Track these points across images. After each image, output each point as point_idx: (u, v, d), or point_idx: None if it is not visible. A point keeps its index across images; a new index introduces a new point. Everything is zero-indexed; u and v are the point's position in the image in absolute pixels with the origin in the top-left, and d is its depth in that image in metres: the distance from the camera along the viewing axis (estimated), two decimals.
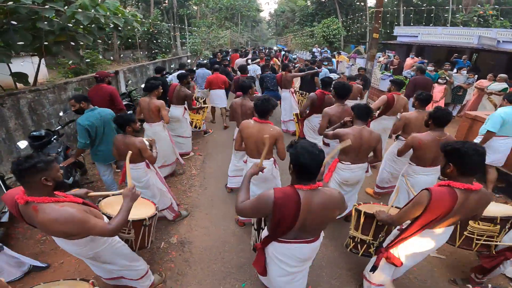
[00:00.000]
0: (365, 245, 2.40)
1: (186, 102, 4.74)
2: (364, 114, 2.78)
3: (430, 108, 3.36)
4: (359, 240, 2.41)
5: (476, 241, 2.29)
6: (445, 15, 20.90)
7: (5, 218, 2.92)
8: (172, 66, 11.41)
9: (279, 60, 11.14)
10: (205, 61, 9.51)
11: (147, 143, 2.87)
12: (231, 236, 3.14)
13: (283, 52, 16.37)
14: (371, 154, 2.98)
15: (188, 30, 18.96)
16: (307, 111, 4.48)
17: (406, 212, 1.85)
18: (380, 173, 3.82)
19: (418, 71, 5.94)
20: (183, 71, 5.40)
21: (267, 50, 16.54)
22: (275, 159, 2.96)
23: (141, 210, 2.33)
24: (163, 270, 2.66)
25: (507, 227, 2.25)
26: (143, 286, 2.34)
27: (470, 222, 2.23)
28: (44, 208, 1.53)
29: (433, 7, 16.25)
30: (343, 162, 2.91)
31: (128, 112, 4.99)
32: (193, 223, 3.35)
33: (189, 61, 9.96)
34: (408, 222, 1.94)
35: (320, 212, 1.61)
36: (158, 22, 13.95)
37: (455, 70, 7.79)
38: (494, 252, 2.29)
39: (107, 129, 3.30)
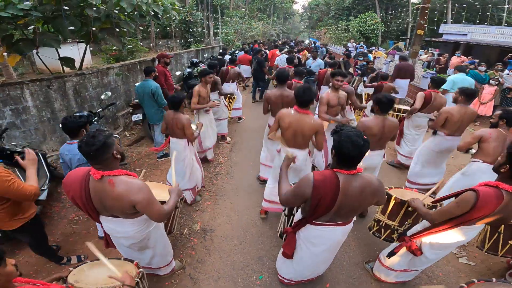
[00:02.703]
0: (389, 230, 2.41)
1: (217, 88, 4.90)
2: (386, 106, 2.83)
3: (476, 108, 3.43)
4: (384, 224, 2.41)
5: None
6: (500, 15, 19.06)
7: (43, 196, 3.03)
8: (205, 56, 11.61)
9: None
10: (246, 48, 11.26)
11: (194, 127, 3.25)
12: (252, 227, 3.18)
13: (316, 44, 15.97)
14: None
15: (221, 20, 19.10)
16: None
17: (448, 211, 1.79)
18: (412, 168, 3.81)
19: (401, 59, 7.02)
20: (214, 61, 5.71)
21: (292, 42, 16.04)
22: (310, 150, 2.97)
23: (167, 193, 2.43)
24: (183, 256, 2.75)
25: None
26: (164, 272, 2.43)
27: None
28: (119, 181, 1.60)
29: (489, 5, 14.73)
30: None
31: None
32: (216, 211, 3.43)
33: (221, 50, 10.20)
34: None
35: (357, 196, 1.63)
36: (194, 11, 14.22)
37: (506, 71, 7.15)
38: None
39: (146, 97, 4.20)
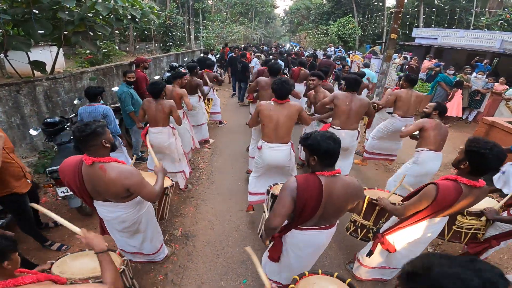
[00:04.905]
0: (365, 230, 2.51)
1: (199, 90, 4.83)
2: (352, 84, 3.14)
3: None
4: (360, 224, 2.52)
5: (465, 234, 2.44)
6: (468, 18, 20.21)
7: None
8: (185, 60, 11.50)
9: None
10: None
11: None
12: (234, 231, 3.16)
13: (298, 48, 16.31)
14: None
15: (203, 24, 19.02)
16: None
17: (413, 205, 1.88)
18: (369, 141, 4.25)
19: (323, 55, 9.32)
20: (194, 63, 5.50)
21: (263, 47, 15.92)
22: (292, 143, 3.01)
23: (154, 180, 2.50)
24: (166, 266, 2.68)
25: (491, 221, 2.36)
26: (158, 259, 2.59)
27: (458, 217, 2.33)
28: (110, 167, 1.74)
29: (456, 9, 15.62)
30: (333, 126, 3.20)
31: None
32: (198, 216, 3.39)
33: (202, 54, 10.13)
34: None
35: (340, 198, 1.64)
36: (174, 15, 14.06)
37: (474, 74, 7.59)
38: (482, 240, 2.42)
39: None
